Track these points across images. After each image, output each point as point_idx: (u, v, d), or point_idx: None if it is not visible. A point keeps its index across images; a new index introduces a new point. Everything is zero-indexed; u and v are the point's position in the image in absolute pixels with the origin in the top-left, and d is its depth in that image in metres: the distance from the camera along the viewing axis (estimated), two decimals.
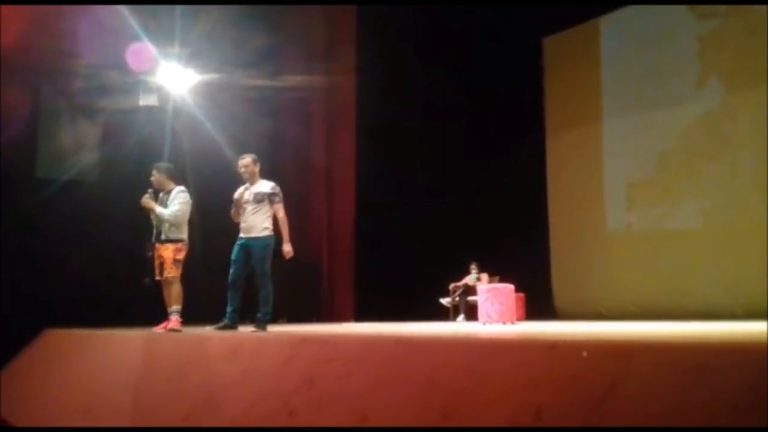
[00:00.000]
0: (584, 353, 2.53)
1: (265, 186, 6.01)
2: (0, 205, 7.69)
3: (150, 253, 6.23)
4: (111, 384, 5.41)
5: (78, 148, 8.68)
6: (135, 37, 8.46)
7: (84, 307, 7.56)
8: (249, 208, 5.94)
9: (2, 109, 7.76)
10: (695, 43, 9.36)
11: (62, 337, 7.18)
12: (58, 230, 7.96)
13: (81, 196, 8.40)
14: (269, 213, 5.94)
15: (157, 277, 6.16)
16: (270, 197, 5.93)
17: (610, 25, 10.46)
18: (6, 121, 7.81)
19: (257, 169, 6.09)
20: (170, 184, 6.33)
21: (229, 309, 5.87)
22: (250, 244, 5.89)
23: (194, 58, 9.16)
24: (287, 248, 5.89)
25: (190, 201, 6.30)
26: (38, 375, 6.89)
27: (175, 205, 6.16)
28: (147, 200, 6.19)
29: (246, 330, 5.75)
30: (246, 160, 6.09)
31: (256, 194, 5.95)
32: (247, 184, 6.07)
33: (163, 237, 6.17)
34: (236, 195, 6.06)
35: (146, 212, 6.21)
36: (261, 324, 5.81)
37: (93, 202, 8.38)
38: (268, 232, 5.90)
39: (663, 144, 9.63)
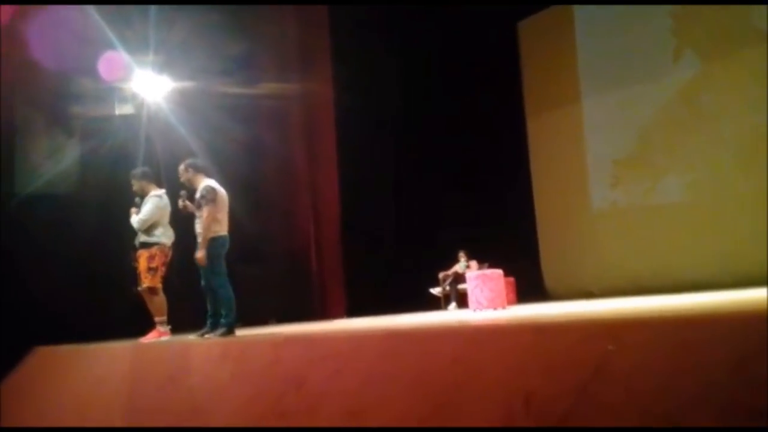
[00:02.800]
0: (610, 347, 2.41)
1: (199, 190, 5.77)
2: None
3: (134, 263, 6.16)
4: (103, 396, 5.37)
5: (54, 159, 8.56)
6: (109, 45, 8.35)
7: (72, 322, 7.48)
8: (196, 214, 5.76)
9: None
10: (669, 19, 9.37)
11: (52, 354, 7.11)
12: (38, 245, 7.86)
13: (58, 208, 8.28)
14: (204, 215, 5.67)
15: (138, 287, 6.08)
16: (199, 202, 5.70)
17: (584, 5, 10.45)
18: None
19: (188, 176, 5.84)
20: (151, 188, 6.25)
21: (208, 314, 5.77)
22: None
23: (169, 66, 9.08)
24: (198, 254, 5.59)
25: (165, 204, 6.18)
26: (31, 392, 6.82)
27: (143, 210, 6.09)
28: (132, 212, 6.14)
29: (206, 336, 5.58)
30: (180, 168, 5.90)
31: (195, 201, 5.78)
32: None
33: (136, 243, 6.11)
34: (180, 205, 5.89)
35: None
36: (217, 329, 5.54)
37: (70, 214, 8.28)
38: (209, 235, 5.62)
39: (644, 119, 9.64)
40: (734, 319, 2.34)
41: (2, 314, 7.50)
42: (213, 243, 5.63)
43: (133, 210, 6.19)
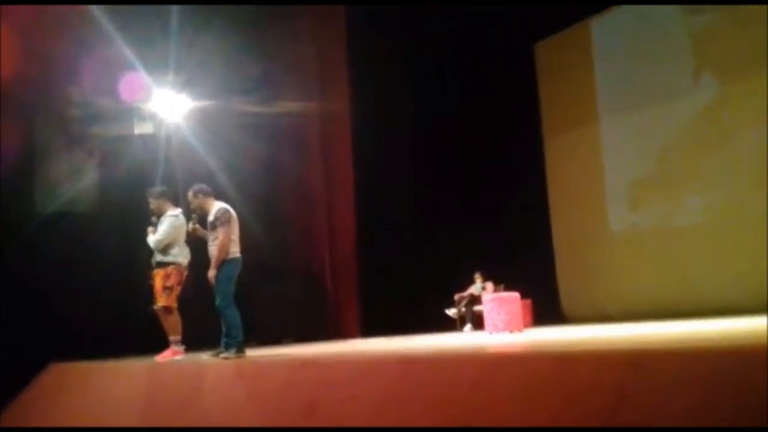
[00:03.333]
0: None
1: (213, 213, 5.79)
2: (4, 248, 7.65)
3: (150, 281, 6.17)
4: (117, 415, 5.35)
5: (73, 179, 8.64)
6: (129, 66, 8.44)
7: (88, 339, 7.51)
8: (209, 238, 5.79)
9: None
10: (687, 39, 9.33)
11: (67, 371, 7.13)
12: (56, 263, 7.91)
13: (77, 227, 8.34)
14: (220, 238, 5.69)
15: (153, 306, 6.08)
16: (214, 224, 5.73)
17: (601, 25, 10.43)
18: (2, 153, 7.77)
19: (199, 201, 5.86)
20: (168, 208, 6.27)
21: (223, 334, 5.77)
22: None
23: (188, 85, 9.16)
24: (210, 273, 5.63)
25: (181, 223, 6.20)
26: (45, 408, 6.83)
27: (160, 230, 6.11)
28: (149, 231, 6.17)
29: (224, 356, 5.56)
30: (189, 195, 5.95)
31: (209, 223, 5.80)
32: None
33: (153, 263, 6.12)
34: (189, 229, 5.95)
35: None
36: (224, 351, 5.55)
37: (88, 233, 8.34)
38: (216, 258, 5.62)
39: (662, 141, 9.56)
40: (758, 351, 2.28)
41: (20, 330, 7.53)
42: (229, 265, 5.65)
43: (150, 229, 6.21)
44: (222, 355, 5.55)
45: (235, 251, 5.72)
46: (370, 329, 10.13)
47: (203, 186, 6.02)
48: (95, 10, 8.14)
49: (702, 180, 9.11)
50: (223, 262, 5.63)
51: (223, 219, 5.66)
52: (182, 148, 9.03)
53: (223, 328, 5.68)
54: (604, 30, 10.39)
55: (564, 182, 10.96)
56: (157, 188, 6.47)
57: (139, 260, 6.42)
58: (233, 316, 5.61)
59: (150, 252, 6.19)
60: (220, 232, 5.63)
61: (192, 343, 6.39)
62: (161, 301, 5.97)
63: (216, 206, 5.80)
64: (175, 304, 6.07)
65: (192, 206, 5.93)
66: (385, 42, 10.50)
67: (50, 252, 7.89)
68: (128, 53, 8.34)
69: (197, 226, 5.90)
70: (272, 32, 10.29)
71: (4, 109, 7.65)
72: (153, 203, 6.24)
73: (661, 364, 2.39)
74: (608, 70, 10.32)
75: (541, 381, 2.65)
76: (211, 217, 5.75)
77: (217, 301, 5.63)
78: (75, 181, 8.65)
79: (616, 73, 10.21)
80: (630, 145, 9.99)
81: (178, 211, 6.28)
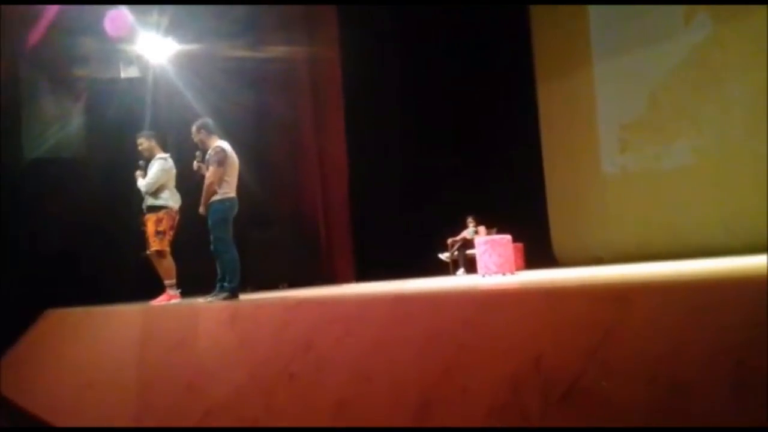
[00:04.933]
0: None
1: (212, 149, 5.72)
2: None
3: (141, 227, 6.18)
4: (113, 358, 5.43)
5: (60, 123, 8.54)
6: (112, 4, 8.27)
7: (82, 285, 7.56)
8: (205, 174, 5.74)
9: None
10: None
11: (63, 317, 7.20)
12: (46, 208, 7.89)
13: (66, 172, 8.30)
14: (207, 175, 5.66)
15: (147, 251, 6.10)
16: (207, 161, 5.67)
17: None
18: None
19: (201, 136, 5.79)
20: (157, 151, 6.24)
21: (218, 278, 5.78)
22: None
23: (173, 28, 8.98)
24: (201, 208, 5.64)
25: (170, 166, 6.18)
26: (42, 354, 6.93)
27: (150, 173, 6.08)
28: (136, 175, 6.15)
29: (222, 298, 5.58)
30: (192, 129, 5.85)
31: (205, 160, 5.73)
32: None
33: (143, 208, 6.12)
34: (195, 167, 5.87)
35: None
36: (219, 293, 5.55)
37: (77, 177, 8.30)
38: (217, 197, 5.62)
39: (654, 83, 9.50)
40: (744, 284, 2.32)
41: (14, 278, 7.57)
42: (220, 205, 5.60)
43: (139, 173, 6.18)
44: (209, 298, 5.55)
45: (227, 191, 5.63)
46: (363, 274, 10.23)
47: (207, 121, 5.91)
48: None
49: (692, 123, 9.09)
50: (215, 203, 5.58)
51: (216, 157, 5.58)
52: (168, 92, 8.91)
53: (218, 272, 5.70)
54: None
55: (557, 127, 10.93)
56: (146, 131, 6.43)
57: (130, 204, 6.40)
58: (230, 260, 5.58)
59: (140, 196, 6.18)
60: (210, 170, 5.57)
61: (190, 288, 6.45)
62: (154, 245, 6.00)
63: (215, 144, 5.72)
64: (168, 248, 6.11)
65: (194, 140, 5.83)
66: None
67: (39, 196, 7.86)
68: None
69: (201, 164, 5.79)
70: None
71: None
72: (144, 144, 6.20)
73: (647, 298, 2.43)
74: (602, 11, 10.17)
75: (532, 316, 2.69)
76: (207, 154, 5.68)
77: (213, 244, 5.63)
78: (61, 125, 8.56)
79: (609, 13, 10.05)
80: (623, 87, 9.92)
81: (167, 155, 6.25)
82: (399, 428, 2.79)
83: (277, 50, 10.11)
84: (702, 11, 8.94)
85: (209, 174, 5.58)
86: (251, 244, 9.14)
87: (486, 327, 2.84)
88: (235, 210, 5.73)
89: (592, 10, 10.27)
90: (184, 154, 6.01)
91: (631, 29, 9.71)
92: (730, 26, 8.56)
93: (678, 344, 2.21)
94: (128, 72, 8.57)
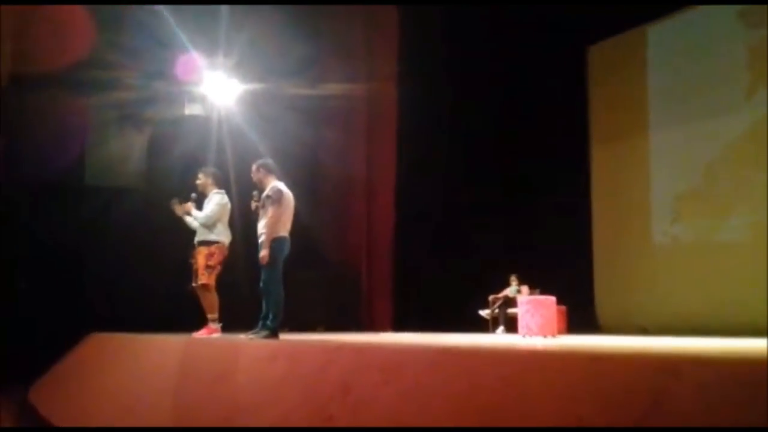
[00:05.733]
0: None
1: (267, 191, 5.84)
2: (51, 214, 7.91)
3: (191, 260, 6.30)
4: (152, 387, 5.49)
5: (125, 157, 8.89)
6: (181, 48, 8.63)
7: (130, 313, 7.71)
8: (261, 214, 5.83)
9: (56, 122, 7.97)
10: (745, 51, 9.12)
11: (107, 341, 7.34)
12: (106, 237, 8.16)
13: (128, 204, 8.58)
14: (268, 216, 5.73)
15: (193, 284, 6.20)
16: (264, 202, 5.76)
17: (657, 33, 10.27)
18: (58, 132, 8.02)
19: (260, 176, 5.91)
20: (213, 189, 6.40)
21: (261, 315, 5.84)
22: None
23: (238, 68, 9.31)
24: (262, 254, 5.66)
25: (227, 203, 6.33)
26: (82, 377, 7.04)
27: (207, 207, 6.23)
28: (177, 207, 6.29)
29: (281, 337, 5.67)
30: (252, 168, 5.98)
31: (261, 200, 5.83)
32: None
33: (195, 241, 6.24)
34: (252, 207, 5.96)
35: (178, 218, 6.27)
36: (261, 330, 5.62)
37: (139, 210, 8.56)
38: (264, 237, 5.68)
39: (711, 155, 9.39)
40: None
41: (65, 300, 7.78)
42: (273, 245, 5.68)
43: (190, 205, 6.30)
44: (250, 335, 5.61)
45: (281, 232, 5.73)
46: (401, 324, 10.17)
47: (268, 161, 6.06)
48: None
49: (748, 198, 8.91)
50: (271, 242, 5.67)
51: (274, 198, 5.69)
52: (231, 130, 9.19)
53: (263, 310, 5.76)
54: (660, 37, 10.24)
55: (608, 190, 10.83)
56: (211, 168, 6.62)
57: (184, 238, 6.54)
58: (276, 299, 5.65)
59: (188, 228, 6.32)
60: (270, 211, 5.67)
61: (232, 324, 6.52)
62: (202, 278, 6.10)
63: (272, 184, 5.84)
64: (213, 283, 6.21)
65: (253, 179, 5.95)
66: (437, 28, 10.43)
67: (101, 228, 8.14)
68: (181, 36, 8.51)
69: (258, 202, 5.88)
70: (324, 13, 10.33)
71: (63, 92, 7.89)
72: (201, 180, 6.38)
73: (698, 371, 2.38)
74: (661, 79, 10.16)
75: (574, 380, 2.65)
76: (264, 194, 5.80)
77: (262, 282, 5.70)
78: (127, 161, 8.89)
79: (669, 82, 10.04)
80: (678, 157, 9.83)
81: (223, 191, 6.42)
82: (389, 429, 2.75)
83: (336, 87, 10.32)
84: (763, 85, 8.87)
85: (270, 215, 5.67)
86: (293, 284, 9.22)
87: (526, 386, 2.80)
88: (287, 250, 5.82)
89: (652, 75, 10.26)
90: (246, 190, 6.16)
91: (690, 98, 9.67)
92: None
93: (727, 419, 2.16)
94: (192, 109, 8.90)
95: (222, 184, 6.54)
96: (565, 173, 10.79)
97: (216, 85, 9.23)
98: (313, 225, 9.63)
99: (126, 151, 8.97)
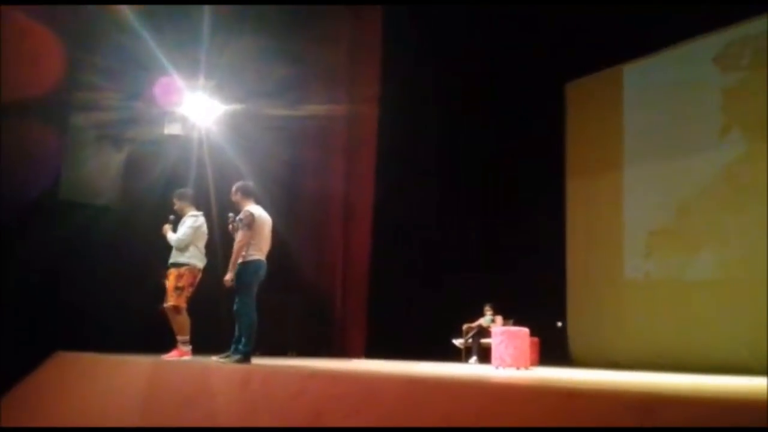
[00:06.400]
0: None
1: (242, 213, 5.82)
2: (25, 231, 7.75)
3: (163, 280, 6.23)
4: (120, 407, 5.37)
5: (104, 176, 8.78)
6: (162, 70, 8.59)
7: (98, 332, 7.55)
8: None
9: (32, 142, 7.85)
10: (719, 94, 9.35)
11: (72, 361, 7.15)
12: (83, 256, 8.02)
13: (104, 223, 8.46)
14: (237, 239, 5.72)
15: (164, 305, 6.14)
16: (237, 224, 5.75)
17: (633, 72, 10.50)
18: (36, 152, 7.90)
19: (237, 198, 5.92)
20: (190, 210, 6.37)
21: (234, 338, 5.78)
22: None
23: (219, 90, 9.29)
24: (227, 277, 5.62)
25: (201, 226, 6.29)
26: (46, 396, 6.85)
27: (180, 230, 6.19)
28: (165, 228, 6.26)
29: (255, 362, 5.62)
30: (232, 189, 5.99)
31: (234, 224, 5.83)
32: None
33: (168, 263, 6.19)
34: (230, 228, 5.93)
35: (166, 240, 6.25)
36: (233, 354, 5.58)
37: (116, 229, 8.45)
38: (241, 259, 5.66)
39: (684, 192, 9.56)
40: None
41: (30, 316, 7.60)
42: (245, 268, 5.66)
43: (167, 227, 6.29)
44: (221, 359, 5.55)
45: (253, 254, 5.69)
46: (373, 349, 10.11)
47: (247, 184, 6.06)
48: (130, 15, 8.30)
49: (719, 236, 9.08)
50: (241, 265, 5.64)
51: (245, 221, 5.68)
52: (212, 150, 9.14)
53: (236, 333, 5.70)
54: (635, 77, 10.47)
55: (582, 224, 10.96)
56: (182, 190, 6.58)
57: (161, 259, 6.46)
58: (249, 323, 5.60)
59: (168, 251, 6.27)
60: (239, 234, 5.68)
61: (204, 347, 6.42)
62: (171, 300, 6.04)
63: (246, 207, 5.83)
64: (184, 305, 6.14)
65: (233, 200, 5.96)
66: (419, 54, 10.52)
67: (74, 246, 8.00)
68: (161, 58, 8.48)
69: (235, 224, 5.85)
70: (305, 35, 10.37)
71: (41, 112, 7.78)
72: (177, 204, 6.37)
73: (671, 411, 2.39)
74: (636, 117, 10.37)
75: (549, 415, 2.64)
76: (237, 218, 5.80)
77: (235, 305, 5.65)
78: (105, 179, 8.78)
79: (643, 120, 10.25)
80: (652, 193, 9.99)
81: (199, 213, 6.38)
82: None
83: (317, 108, 10.33)
84: (737, 127, 9.07)
85: (239, 239, 5.67)
86: (266, 308, 9.12)
87: (499, 421, 2.79)
88: (262, 273, 5.78)
89: (628, 112, 10.47)
90: (223, 211, 6.13)
91: (665, 137, 9.86)
92: (764, 146, 8.65)
93: None
94: (172, 129, 8.84)
95: (197, 203, 6.51)
96: (539, 207, 10.92)
97: (196, 106, 9.19)
98: (290, 246, 9.55)
99: (103, 171, 8.85)
